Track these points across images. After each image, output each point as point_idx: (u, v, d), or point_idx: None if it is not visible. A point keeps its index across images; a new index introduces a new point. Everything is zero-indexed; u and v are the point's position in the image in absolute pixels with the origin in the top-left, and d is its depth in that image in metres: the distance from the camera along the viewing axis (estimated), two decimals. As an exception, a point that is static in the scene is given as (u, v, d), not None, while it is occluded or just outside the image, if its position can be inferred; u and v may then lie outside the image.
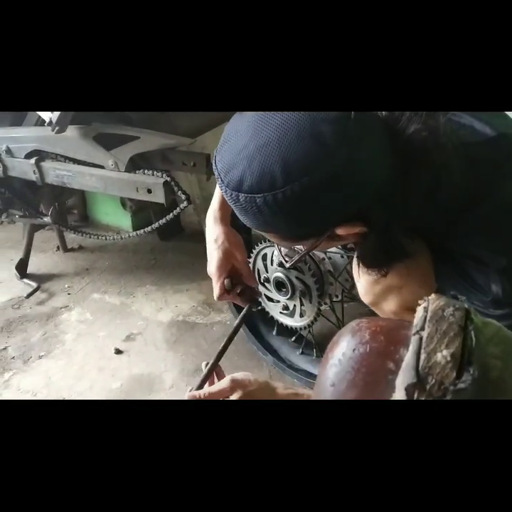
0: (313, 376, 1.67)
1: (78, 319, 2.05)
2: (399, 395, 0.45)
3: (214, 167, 0.75)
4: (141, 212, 2.48)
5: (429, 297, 0.50)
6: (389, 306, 1.01)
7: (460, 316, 0.46)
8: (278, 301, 1.64)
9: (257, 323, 1.81)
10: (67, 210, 2.58)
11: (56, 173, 1.99)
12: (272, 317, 1.71)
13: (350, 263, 1.48)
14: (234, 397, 0.90)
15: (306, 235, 0.78)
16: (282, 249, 1.26)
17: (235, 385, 0.91)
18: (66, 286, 2.26)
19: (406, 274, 0.91)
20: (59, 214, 2.23)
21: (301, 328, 1.66)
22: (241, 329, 1.76)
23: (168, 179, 1.78)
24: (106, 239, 2.19)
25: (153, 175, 1.81)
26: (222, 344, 1.02)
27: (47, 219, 2.18)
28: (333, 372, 0.52)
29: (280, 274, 1.56)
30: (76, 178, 1.95)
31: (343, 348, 0.53)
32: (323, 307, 1.58)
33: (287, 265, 1.29)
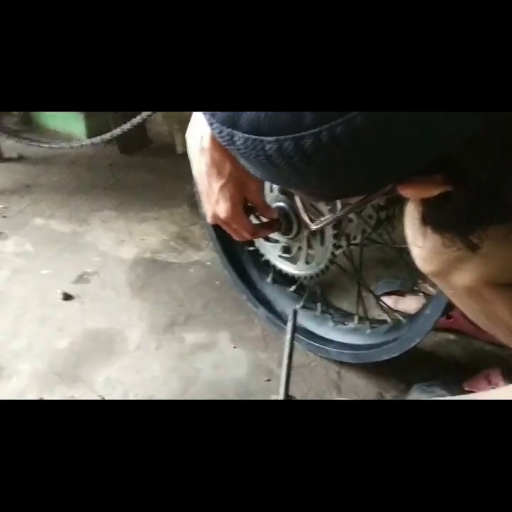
0: (315, 337, 1.44)
1: (15, 251, 1.79)
2: None
3: None
4: (97, 116, 2.29)
5: None
6: (462, 279, 0.92)
7: None
8: (277, 241, 1.34)
9: (247, 267, 1.55)
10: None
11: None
12: (267, 260, 1.44)
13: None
14: None
15: (343, 194, 0.61)
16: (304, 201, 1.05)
17: None
18: (0, 206, 2.01)
19: (501, 239, 0.72)
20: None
21: (304, 278, 1.39)
22: (226, 272, 1.52)
23: (136, 69, 1.37)
24: (55, 147, 1.97)
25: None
26: (284, 376, 0.87)
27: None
28: None
29: (283, 205, 1.23)
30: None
31: None
32: (338, 251, 1.29)
33: (313, 228, 1.00)
